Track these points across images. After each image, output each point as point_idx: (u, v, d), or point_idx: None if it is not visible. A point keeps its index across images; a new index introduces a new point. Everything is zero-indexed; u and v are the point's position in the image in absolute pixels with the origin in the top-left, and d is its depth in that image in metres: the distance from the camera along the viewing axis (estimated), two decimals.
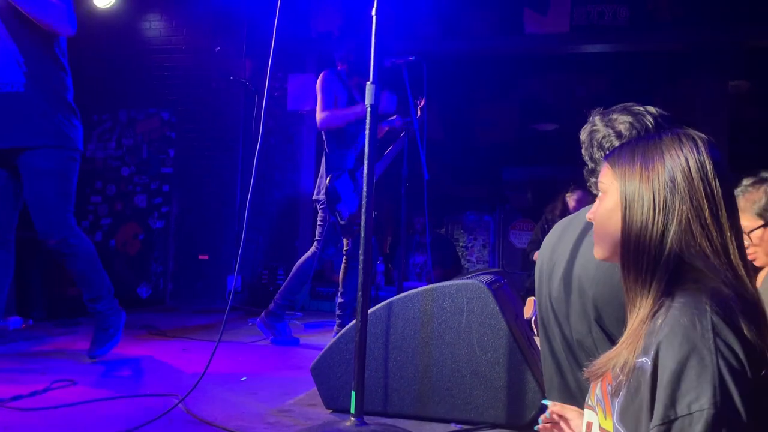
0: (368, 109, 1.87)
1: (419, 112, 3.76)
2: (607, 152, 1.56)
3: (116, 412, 2.10)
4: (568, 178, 5.06)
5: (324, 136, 3.59)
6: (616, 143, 1.55)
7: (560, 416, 1.24)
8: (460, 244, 8.99)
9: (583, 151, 1.65)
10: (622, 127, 1.56)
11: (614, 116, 1.59)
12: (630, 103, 1.61)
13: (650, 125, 1.54)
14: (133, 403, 2.21)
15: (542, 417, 1.26)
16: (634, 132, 1.54)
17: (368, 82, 1.88)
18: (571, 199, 4.98)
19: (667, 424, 0.88)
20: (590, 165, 1.63)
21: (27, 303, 3.92)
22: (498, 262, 8.38)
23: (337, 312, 3.63)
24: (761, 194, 1.77)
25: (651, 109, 1.58)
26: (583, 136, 1.64)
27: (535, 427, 1.28)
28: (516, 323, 2.16)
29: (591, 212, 1.18)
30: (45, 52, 2.65)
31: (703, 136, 1.08)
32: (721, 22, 5.08)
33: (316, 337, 3.93)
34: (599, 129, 1.59)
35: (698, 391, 0.88)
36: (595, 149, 1.60)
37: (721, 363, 0.88)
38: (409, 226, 6.27)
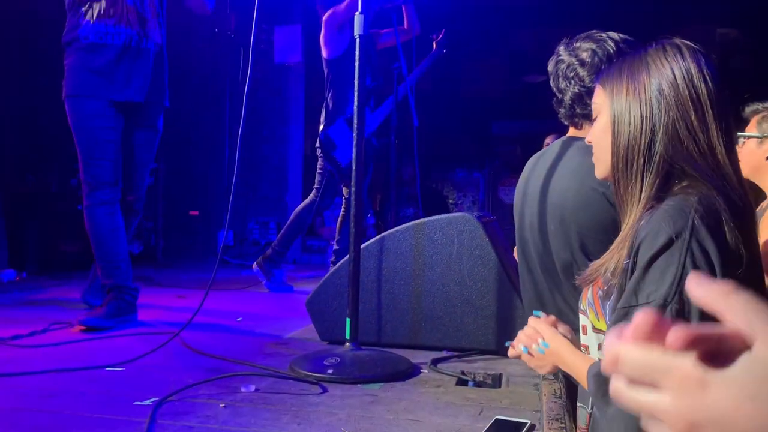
0: (356, 40, 1.87)
1: (437, 46, 3.78)
2: (571, 81, 1.59)
3: (116, 346, 2.15)
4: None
5: (327, 81, 3.51)
6: (580, 71, 1.57)
7: (535, 330, 1.28)
8: (450, 201, 9.03)
9: (551, 82, 1.66)
10: (585, 55, 1.57)
11: (577, 44, 1.60)
12: (594, 31, 1.62)
13: (612, 50, 1.56)
14: (132, 339, 2.25)
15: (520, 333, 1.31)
16: (596, 59, 1.56)
17: (356, 13, 1.87)
18: (545, 145, 5.04)
19: (627, 308, 0.95)
20: (558, 96, 1.65)
21: (21, 257, 3.93)
22: None
23: (332, 259, 3.67)
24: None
25: (613, 34, 1.59)
26: (550, 67, 1.66)
27: (507, 343, 1.32)
28: (505, 255, 2.21)
29: (588, 134, 1.20)
30: (162, 18, 2.80)
31: (689, 43, 1.09)
32: None
33: (310, 285, 3.96)
34: (564, 59, 1.61)
35: (658, 284, 0.92)
36: (560, 79, 1.61)
37: (688, 262, 0.91)
38: (398, 177, 6.28)
